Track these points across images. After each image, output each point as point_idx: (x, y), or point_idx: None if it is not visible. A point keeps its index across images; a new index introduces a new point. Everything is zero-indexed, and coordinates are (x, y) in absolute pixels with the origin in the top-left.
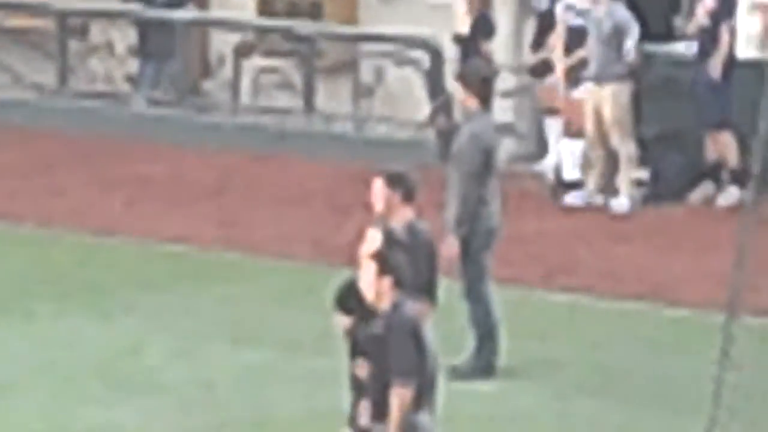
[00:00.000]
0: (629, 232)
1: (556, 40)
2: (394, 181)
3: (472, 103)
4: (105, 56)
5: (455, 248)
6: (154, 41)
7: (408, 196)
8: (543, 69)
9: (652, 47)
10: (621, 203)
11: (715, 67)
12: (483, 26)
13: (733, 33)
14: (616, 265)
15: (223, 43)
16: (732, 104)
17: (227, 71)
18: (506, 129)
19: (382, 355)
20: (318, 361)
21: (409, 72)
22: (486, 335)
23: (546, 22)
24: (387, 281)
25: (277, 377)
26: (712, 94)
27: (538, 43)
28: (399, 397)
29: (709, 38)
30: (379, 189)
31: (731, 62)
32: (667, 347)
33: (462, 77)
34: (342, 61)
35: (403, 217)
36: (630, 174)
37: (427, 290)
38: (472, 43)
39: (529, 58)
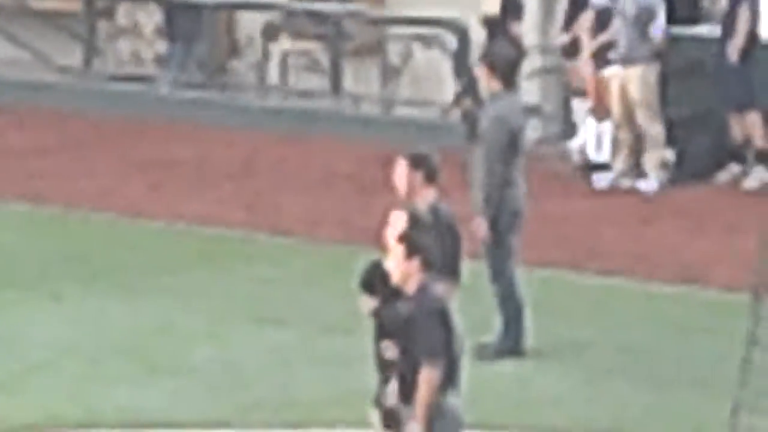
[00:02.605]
0: (656, 213)
1: (584, 21)
2: (416, 162)
3: (497, 84)
4: (132, 38)
5: (484, 228)
6: (181, 23)
7: (430, 177)
8: (574, 50)
9: (678, 29)
10: (648, 184)
11: (733, 49)
12: (512, 7)
13: (755, 15)
14: (644, 247)
15: (250, 24)
16: (755, 85)
17: (255, 53)
18: (533, 110)
19: (410, 337)
20: (344, 342)
21: (436, 54)
22: (512, 317)
23: (577, 3)
24: (415, 262)
25: (303, 358)
26: (734, 76)
27: (569, 23)
28: (427, 378)
29: (730, 19)
30: (401, 170)
31: (753, 43)
32: (694, 328)
33: (487, 59)
34: (369, 42)
35: (425, 198)
36: (657, 155)
37: (450, 271)
38: (500, 25)
39: (559, 38)
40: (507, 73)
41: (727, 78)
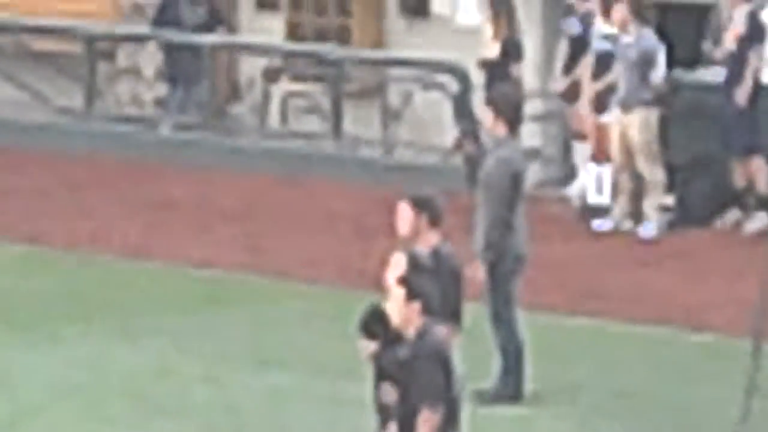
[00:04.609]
0: (656, 257)
1: (585, 65)
2: (421, 205)
3: (501, 128)
4: (132, 80)
5: (481, 273)
6: (182, 65)
7: (434, 221)
8: (573, 93)
9: (679, 73)
10: (648, 229)
11: (742, 93)
12: (512, 51)
13: (761, 58)
14: (643, 291)
15: (251, 67)
16: (760, 129)
17: (255, 95)
18: (533, 154)
19: (409, 380)
20: (343, 386)
21: (437, 96)
22: (512, 360)
23: (578, 47)
24: (414, 306)
25: (301, 401)
26: (739, 120)
27: (569, 67)
28: (427, 422)
29: (737, 64)
30: (405, 213)
31: (759, 88)
32: (693, 373)
33: (492, 103)
34: (369, 85)
35: (429, 241)
36: (657, 199)
37: (452, 315)
38: (500, 68)
39: (560, 82)
40: (513, 117)
41: (733, 122)
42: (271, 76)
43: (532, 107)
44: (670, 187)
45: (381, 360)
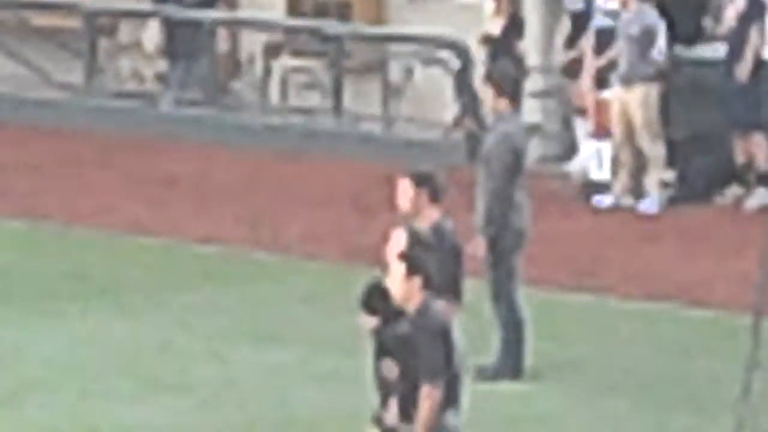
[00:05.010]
0: (657, 233)
1: (586, 41)
2: (421, 180)
3: (502, 104)
4: (133, 56)
5: (482, 248)
6: (183, 41)
7: (435, 196)
8: (574, 69)
9: (680, 49)
10: (649, 204)
11: (743, 69)
12: (515, 27)
13: (762, 35)
14: (644, 266)
15: (252, 43)
16: (761, 106)
17: (256, 71)
18: (534, 129)
19: (410, 356)
20: (344, 361)
21: (438, 72)
22: (513, 336)
23: (579, 23)
24: (416, 281)
25: (302, 377)
26: (741, 96)
27: (570, 43)
28: (429, 397)
29: (738, 40)
30: (405, 189)
31: (760, 64)
32: (694, 348)
33: (492, 78)
34: (370, 61)
35: (429, 217)
36: (657, 175)
37: (453, 290)
38: (502, 44)
39: (562, 58)
40: (513, 92)
41: (734, 99)
42: (271, 51)
43: (532, 83)
44: (670, 163)
45: (382, 335)
